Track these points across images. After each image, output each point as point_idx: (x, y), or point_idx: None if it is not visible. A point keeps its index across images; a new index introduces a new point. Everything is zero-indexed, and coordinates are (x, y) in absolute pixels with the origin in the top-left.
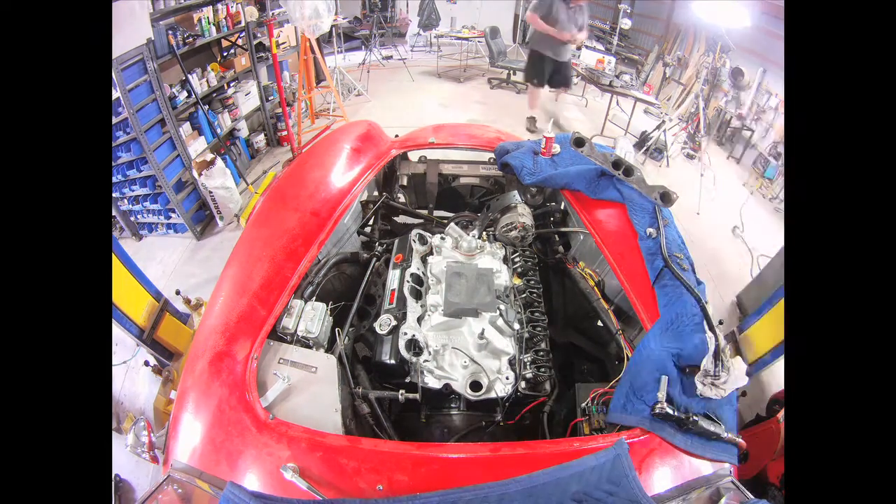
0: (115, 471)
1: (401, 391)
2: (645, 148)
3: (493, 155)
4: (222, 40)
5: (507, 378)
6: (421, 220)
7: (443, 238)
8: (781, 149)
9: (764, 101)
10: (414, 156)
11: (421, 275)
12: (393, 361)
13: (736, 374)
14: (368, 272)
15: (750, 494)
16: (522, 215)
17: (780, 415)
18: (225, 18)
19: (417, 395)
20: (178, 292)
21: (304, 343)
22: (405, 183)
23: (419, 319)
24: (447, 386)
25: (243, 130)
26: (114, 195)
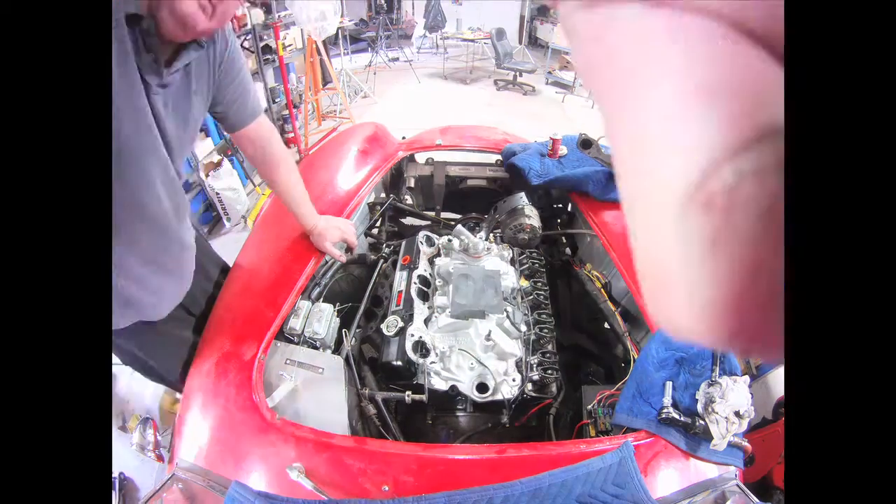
0: (120, 469)
1: (407, 392)
2: None
3: (500, 157)
4: None
5: (514, 380)
6: (428, 222)
7: (450, 240)
8: None
9: None
10: (421, 157)
11: (428, 276)
12: (399, 363)
13: (733, 395)
14: (375, 274)
15: (755, 498)
16: (530, 217)
17: None
18: (232, 21)
19: (424, 397)
20: None
21: (311, 344)
22: (412, 185)
23: (426, 321)
24: (454, 387)
25: None
26: None
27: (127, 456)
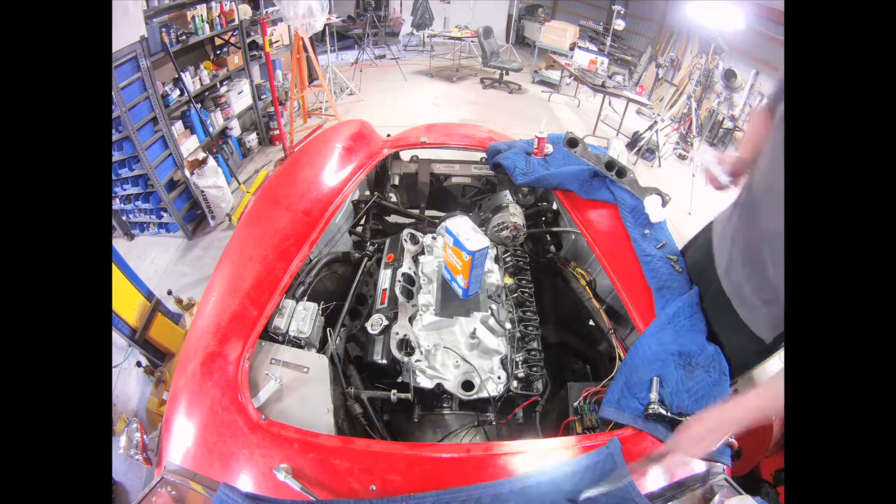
0: None
1: (393, 391)
2: (637, 148)
3: (485, 155)
4: (215, 38)
5: (499, 377)
6: (412, 220)
7: (434, 237)
8: None
9: (756, 103)
10: (406, 155)
11: (412, 274)
12: (384, 361)
13: None
14: (360, 272)
15: (743, 492)
16: (514, 215)
17: None
18: (219, 16)
19: (409, 395)
20: (169, 292)
21: (296, 343)
22: (397, 182)
23: (411, 319)
24: (439, 385)
25: (235, 129)
26: None
27: (115, 459)
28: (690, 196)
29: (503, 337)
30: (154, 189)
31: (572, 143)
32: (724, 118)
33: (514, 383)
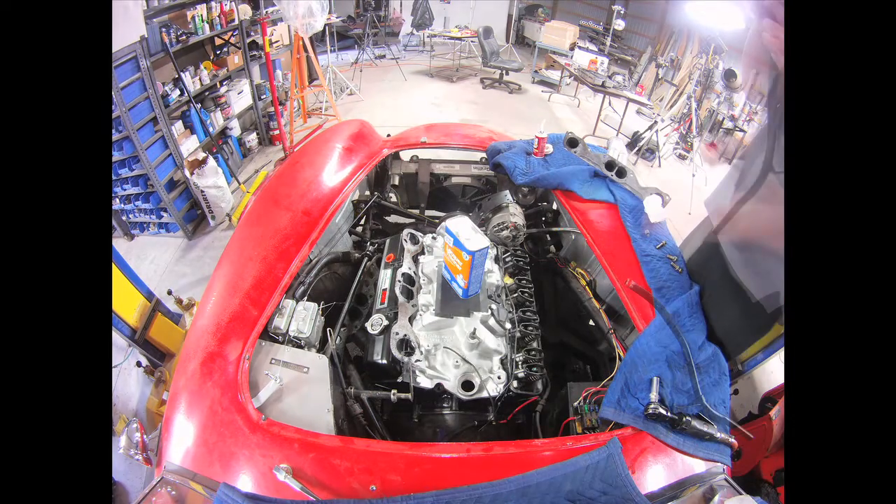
0: None
1: (393, 391)
2: (637, 148)
3: (485, 155)
4: (215, 38)
5: (499, 377)
6: (412, 220)
7: (434, 237)
8: None
9: (756, 103)
10: (406, 155)
11: (412, 274)
12: (384, 361)
13: None
14: (360, 272)
15: (743, 492)
16: (514, 215)
17: (773, 412)
18: (219, 16)
19: (409, 395)
20: (169, 292)
21: (296, 343)
22: (397, 182)
23: (411, 319)
24: (439, 385)
25: (235, 129)
26: None
27: (115, 459)
28: (690, 196)
29: (503, 337)
30: (154, 189)
31: (572, 143)
32: (724, 118)
33: (514, 383)
